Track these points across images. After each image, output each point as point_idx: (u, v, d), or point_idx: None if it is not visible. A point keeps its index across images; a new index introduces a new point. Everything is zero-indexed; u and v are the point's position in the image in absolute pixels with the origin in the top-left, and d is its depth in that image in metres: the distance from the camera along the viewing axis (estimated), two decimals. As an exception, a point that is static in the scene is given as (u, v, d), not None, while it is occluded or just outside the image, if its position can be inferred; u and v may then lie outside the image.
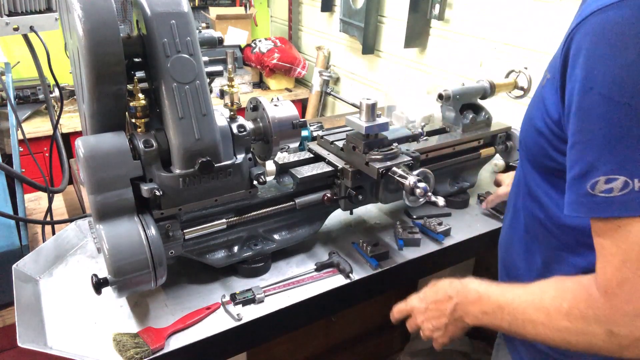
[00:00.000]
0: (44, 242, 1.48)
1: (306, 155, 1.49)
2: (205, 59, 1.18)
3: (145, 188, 1.10)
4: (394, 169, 1.28)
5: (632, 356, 0.74)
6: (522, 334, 0.87)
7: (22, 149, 1.78)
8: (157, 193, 1.10)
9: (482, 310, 0.94)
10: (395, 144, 1.36)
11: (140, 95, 1.11)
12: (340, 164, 1.40)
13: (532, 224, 0.99)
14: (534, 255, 1.00)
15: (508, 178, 1.55)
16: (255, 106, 1.35)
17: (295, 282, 1.32)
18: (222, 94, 1.33)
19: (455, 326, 1.02)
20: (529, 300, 0.85)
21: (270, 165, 1.48)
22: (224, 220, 1.27)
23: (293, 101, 1.69)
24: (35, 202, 2.03)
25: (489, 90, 1.70)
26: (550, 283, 0.84)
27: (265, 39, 3.90)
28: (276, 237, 1.39)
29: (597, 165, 0.71)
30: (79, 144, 1.07)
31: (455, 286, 1.02)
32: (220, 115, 1.23)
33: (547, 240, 0.96)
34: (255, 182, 1.26)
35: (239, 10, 4.04)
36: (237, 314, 1.19)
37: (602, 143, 0.71)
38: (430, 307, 1.06)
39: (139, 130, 1.13)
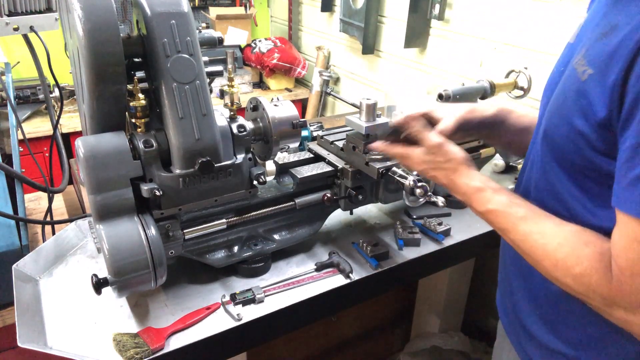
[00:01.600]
0: (44, 242, 1.48)
1: (306, 155, 1.49)
2: (205, 59, 1.18)
3: (145, 188, 1.10)
4: (394, 169, 1.28)
5: (616, 320, 0.80)
6: (520, 254, 0.92)
7: (22, 149, 1.78)
8: (157, 193, 1.10)
9: (487, 219, 0.98)
10: (395, 144, 1.36)
11: (140, 95, 1.11)
12: (340, 164, 1.40)
13: None
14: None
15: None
16: (255, 106, 1.35)
17: (295, 282, 1.32)
18: (222, 94, 1.33)
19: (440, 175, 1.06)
20: (540, 242, 0.87)
21: (270, 165, 1.49)
22: (224, 220, 1.27)
23: (293, 101, 1.69)
24: (35, 202, 2.03)
25: (489, 90, 1.70)
26: (569, 238, 0.85)
27: (265, 39, 3.90)
28: (276, 237, 1.39)
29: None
30: (79, 144, 1.07)
31: (468, 190, 1.01)
32: (220, 115, 1.23)
33: None
34: (255, 182, 1.26)
35: (239, 10, 4.04)
36: (237, 314, 1.19)
37: None
38: (438, 177, 1.07)
39: (139, 130, 1.13)
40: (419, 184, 1.21)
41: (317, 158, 1.48)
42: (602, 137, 0.81)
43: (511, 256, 1.09)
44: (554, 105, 0.92)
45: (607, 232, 0.83)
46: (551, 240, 0.86)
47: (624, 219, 0.76)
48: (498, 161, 1.94)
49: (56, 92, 1.87)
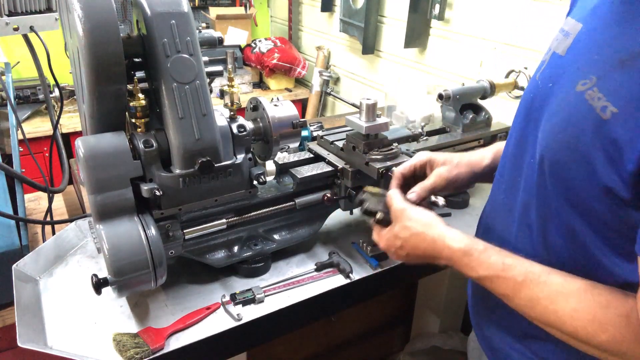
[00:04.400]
0: (44, 242, 1.48)
1: (306, 155, 1.49)
2: (205, 59, 1.18)
3: (145, 188, 1.10)
4: (394, 169, 1.28)
5: None
6: (530, 320, 0.83)
7: (22, 149, 1.78)
8: (157, 193, 1.10)
9: (485, 287, 0.87)
10: (395, 144, 1.36)
11: (140, 95, 1.11)
12: (340, 164, 1.40)
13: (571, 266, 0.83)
14: None
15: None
16: (255, 106, 1.35)
17: (295, 282, 1.32)
18: (222, 94, 1.33)
19: (416, 257, 1.00)
20: (550, 309, 0.78)
21: (270, 165, 1.48)
22: (224, 220, 1.27)
23: (293, 101, 1.69)
24: (35, 202, 2.03)
25: (489, 90, 1.70)
26: (586, 304, 0.75)
27: (265, 39, 3.90)
28: (276, 237, 1.39)
29: None
30: (79, 144, 1.07)
31: (448, 255, 0.92)
32: (220, 115, 1.23)
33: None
34: (255, 182, 1.26)
35: (239, 10, 4.04)
36: (237, 314, 1.19)
37: None
38: (412, 259, 1.01)
39: (139, 130, 1.13)
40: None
41: (317, 158, 1.48)
42: (634, 188, 0.69)
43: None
44: (560, 135, 0.78)
45: (625, 284, 0.75)
46: (563, 306, 0.76)
47: None
48: (498, 161, 1.94)
49: (56, 92, 1.87)
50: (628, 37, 0.70)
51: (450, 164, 1.12)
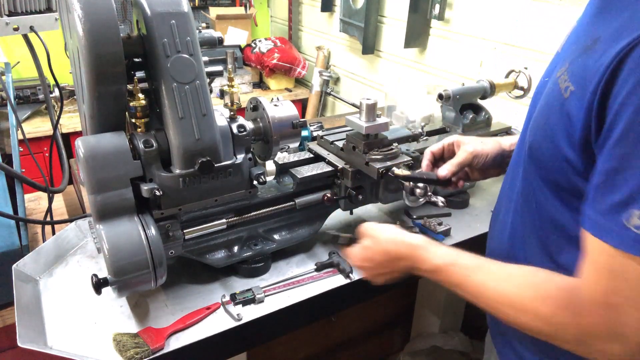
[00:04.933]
0: (44, 242, 1.48)
1: (306, 155, 1.49)
2: (205, 59, 1.18)
3: (145, 188, 1.10)
4: (394, 169, 1.28)
5: (584, 355, 0.78)
6: (483, 309, 0.88)
7: (22, 149, 1.78)
8: (157, 193, 1.10)
9: (440, 280, 0.95)
10: (395, 144, 1.36)
11: (140, 95, 1.11)
12: (340, 164, 1.40)
13: (540, 242, 0.93)
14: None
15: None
16: (255, 106, 1.35)
17: (295, 282, 1.32)
18: (222, 94, 1.33)
19: (407, 273, 1.04)
20: (498, 290, 0.84)
21: (270, 165, 1.48)
22: (224, 220, 1.27)
23: (293, 101, 1.69)
24: (35, 202, 2.03)
25: (489, 90, 1.70)
26: (529, 281, 0.82)
27: (265, 39, 3.90)
28: (276, 237, 1.39)
29: (637, 197, 0.68)
30: (79, 144, 1.07)
31: (402, 250, 1.01)
32: (220, 115, 1.23)
33: (559, 258, 0.90)
34: (255, 182, 1.26)
35: (239, 10, 4.04)
36: (237, 314, 1.19)
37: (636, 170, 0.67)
38: (380, 266, 1.07)
39: (139, 130, 1.13)
40: (419, 184, 1.21)
41: (317, 158, 1.48)
42: (583, 159, 0.77)
43: None
44: (538, 120, 0.88)
45: None
46: (509, 285, 0.83)
47: (598, 247, 0.73)
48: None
49: (56, 92, 1.87)
50: (597, 26, 0.78)
51: (476, 141, 1.22)
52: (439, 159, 1.26)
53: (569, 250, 0.87)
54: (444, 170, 1.19)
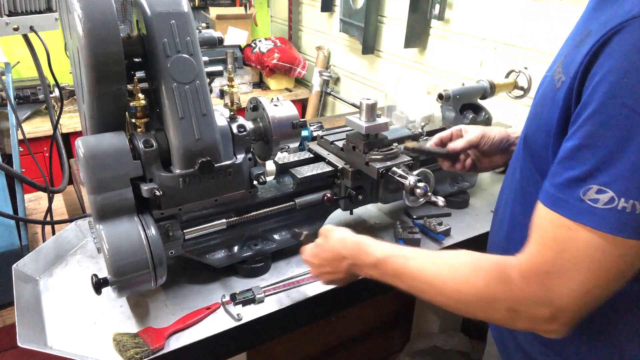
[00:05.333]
0: (44, 242, 1.48)
1: (306, 155, 1.49)
2: (205, 59, 1.18)
3: (145, 188, 1.10)
4: (394, 169, 1.28)
5: (517, 328, 0.81)
6: (417, 296, 0.92)
7: (22, 149, 1.78)
8: (157, 193, 1.10)
9: (380, 273, 0.99)
10: (395, 144, 1.36)
11: (140, 95, 1.11)
12: (340, 164, 1.40)
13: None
14: None
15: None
16: (255, 106, 1.35)
17: (295, 282, 1.32)
18: (222, 94, 1.33)
19: (351, 278, 1.10)
20: (433, 270, 0.88)
21: (270, 165, 1.48)
22: (224, 220, 1.27)
23: (293, 101, 1.69)
24: (35, 202, 2.03)
25: (489, 90, 1.70)
26: (462, 259, 0.86)
27: (265, 39, 3.90)
28: (276, 237, 1.39)
29: (596, 174, 0.71)
30: (79, 144, 1.07)
31: (348, 246, 1.05)
32: (220, 115, 1.23)
33: None
34: (255, 182, 1.26)
35: (239, 10, 4.04)
36: (237, 314, 1.19)
37: (609, 153, 0.70)
38: (325, 264, 1.11)
39: (139, 130, 1.13)
40: (419, 184, 1.21)
41: (317, 158, 1.48)
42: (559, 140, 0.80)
43: None
44: (534, 112, 0.92)
45: None
46: (444, 266, 0.87)
47: (548, 218, 0.76)
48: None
49: (56, 92, 1.87)
50: (591, 21, 0.80)
51: (484, 126, 1.32)
52: (446, 144, 1.36)
53: None
54: (455, 144, 1.29)
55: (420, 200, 1.22)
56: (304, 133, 1.76)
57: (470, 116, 1.66)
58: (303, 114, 3.88)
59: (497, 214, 1.12)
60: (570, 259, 0.73)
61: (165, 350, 1.10)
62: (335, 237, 1.09)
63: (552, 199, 0.76)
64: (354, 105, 3.35)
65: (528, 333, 0.99)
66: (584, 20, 0.86)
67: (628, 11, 0.70)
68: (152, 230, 1.11)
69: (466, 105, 1.68)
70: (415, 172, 1.24)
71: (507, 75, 1.80)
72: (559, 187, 0.75)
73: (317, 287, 1.30)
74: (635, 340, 0.86)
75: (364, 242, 1.04)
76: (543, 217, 0.78)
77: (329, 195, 1.38)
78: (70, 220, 1.57)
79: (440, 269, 0.87)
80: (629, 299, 0.83)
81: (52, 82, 1.83)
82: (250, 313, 1.21)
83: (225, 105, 1.27)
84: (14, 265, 1.29)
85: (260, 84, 3.99)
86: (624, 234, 0.69)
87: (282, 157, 1.45)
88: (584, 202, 0.72)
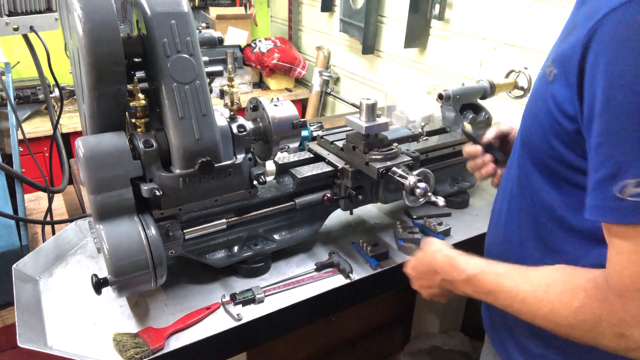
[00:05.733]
0: (44, 242, 1.48)
1: (306, 155, 1.49)
2: (205, 59, 1.18)
3: (145, 188, 1.10)
4: (394, 169, 1.28)
5: (635, 357, 0.74)
6: (514, 315, 0.86)
7: (22, 149, 1.78)
8: (157, 193, 1.10)
9: (473, 290, 0.93)
10: (395, 144, 1.36)
11: (140, 95, 1.11)
12: (340, 164, 1.40)
13: (533, 225, 0.97)
14: (533, 257, 0.97)
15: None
16: (255, 106, 1.35)
17: (295, 282, 1.32)
18: (222, 94, 1.33)
19: (448, 293, 1.04)
20: (529, 290, 0.82)
21: (270, 165, 1.48)
22: (224, 220, 1.27)
23: (293, 101, 1.69)
24: (35, 202, 2.03)
25: (489, 90, 1.70)
26: (557, 277, 0.80)
27: (265, 39, 3.90)
28: (276, 237, 1.39)
29: (627, 167, 0.67)
30: (79, 144, 1.07)
31: (439, 260, 1.01)
32: (220, 115, 1.23)
33: (550, 241, 0.94)
34: (255, 182, 1.26)
35: (239, 10, 4.04)
36: (237, 314, 1.19)
37: (634, 142, 0.66)
38: (421, 276, 1.09)
39: (139, 130, 1.13)
40: (419, 184, 1.21)
41: (317, 158, 1.48)
42: (570, 133, 0.79)
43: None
44: (528, 107, 0.92)
45: (588, 235, 0.83)
46: (539, 285, 0.81)
47: (607, 230, 0.72)
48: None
49: (56, 92, 1.87)
50: (575, 16, 0.83)
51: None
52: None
53: (560, 234, 0.89)
54: (488, 133, 1.27)
55: (420, 200, 1.22)
56: (304, 133, 1.76)
57: (470, 116, 1.66)
58: (303, 114, 3.88)
59: (495, 211, 1.12)
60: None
61: (165, 350, 1.10)
62: (429, 250, 1.05)
63: (595, 209, 0.72)
64: (354, 105, 3.35)
65: (525, 329, 0.98)
66: (572, 14, 0.87)
67: (607, 2, 0.70)
68: (152, 230, 1.11)
69: (466, 105, 1.68)
70: (415, 172, 1.24)
71: (507, 75, 1.80)
72: (595, 195, 0.72)
73: (317, 287, 1.30)
74: None
75: (454, 256, 0.98)
76: (606, 230, 0.73)
77: (329, 195, 1.38)
78: (70, 220, 1.57)
79: (536, 288, 0.81)
80: None
81: (52, 82, 1.83)
82: (250, 313, 1.21)
83: (225, 105, 1.27)
84: (14, 265, 1.29)
85: (260, 84, 3.99)
86: None
87: (282, 157, 1.45)
88: (623, 200, 0.67)
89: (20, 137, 1.76)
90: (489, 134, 1.28)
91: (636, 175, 0.66)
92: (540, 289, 0.80)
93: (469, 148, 1.31)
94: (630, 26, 0.67)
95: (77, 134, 3.12)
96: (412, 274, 1.13)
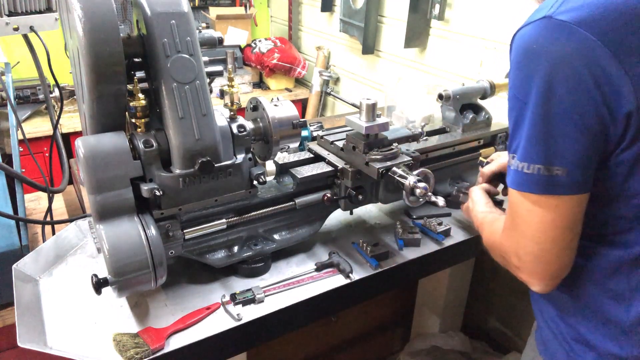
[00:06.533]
0: (44, 242, 1.48)
1: (306, 155, 1.49)
2: (205, 59, 1.18)
3: (145, 188, 1.10)
4: (394, 169, 1.28)
5: (520, 278, 0.99)
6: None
7: (22, 149, 1.78)
8: (157, 193, 1.10)
9: (475, 220, 1.28)
10: (395, 144, 1.36)
11: (140, 95, 1.11)
12: (340, 164, 1.40)
13: None
14: None
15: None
16: (255, 106, 1.35)
17: (295, 282, 1.32)
18: (222, 94, 1.33)
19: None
20: (489, 226, 1.16)
21: (270, 165, 1.48)
22: (224, 220, 1.27)
23: (293, 101, 1.69)
24: (35, 202, 2.03)
25: (489, 90, 1.70)
26: (497, 218, 1.14)
27: (265, 39, 3.90)
28: (276, 237, 1.39)
29: (511, 145, 0.93)
30: (79, 144, 1.07)
31: (472, 195, 1.35)
32: (220, 115, 1.23)
33: None
34: (255, 182, 1.26)
35: (239, 10, 4.04)
36: (237, 314, 1.19)
37: (513, 130, 0.93)
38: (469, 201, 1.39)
39: (139, 130, 1.13)
40: (419, 184, 1.21)
41: (317, 158, 1.48)
42: None
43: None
44: None
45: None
46: (495, 222, 1.13)
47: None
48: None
49: (56, 92, 1.87)
50: None
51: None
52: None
53: None
54: (489, 167, 1.48)
55: (420, 200, 1.22)
56: (304, 133, 1.76)
57: (470, 116, 1.66)
58: (303, 114, 3.88)
59: None
60: (517, 217, 0.95)
61: (165, 350, 1.10)
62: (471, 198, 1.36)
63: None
64: (354, 105, 3.35)
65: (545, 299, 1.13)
66: None
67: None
68: (152, 230, 1.11)
69: (466, 105, 1.68)
70: (415, 172, 1.24)
71: (507, 75, 1.80)
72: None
73: (317, 287, 1.30)
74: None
75: (479, 200, 1.32)
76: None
77: (329, 195, 1.38)
78: (70, 220, 1.57)
79: (492, 225, 1.13)
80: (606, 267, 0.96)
81: (52, 82, 1.83)
82: (250, 313, 1.21)
83: (225, 105, 1.27)
84: (14, 265, 1.29)
85: (260, 84, 3.99)
86: (525, 189, 0.90)
87: (282, 157, 1.45)
88: (509, 168, 0.93)
89: (20, 137, 1.76)
90: (483, 175, 1.47)
91: (513, 152, 0.92)
92: (493, 225, 1.13)
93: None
94: (517, 44, 0.91)
95: (77, 134, 3.12)
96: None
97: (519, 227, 0.94)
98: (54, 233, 1.57)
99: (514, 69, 0.91)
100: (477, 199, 1.32)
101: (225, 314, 1.21)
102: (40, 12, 1.76)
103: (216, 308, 1.22)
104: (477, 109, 1.71)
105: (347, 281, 1.33)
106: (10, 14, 1.68)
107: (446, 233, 1.52)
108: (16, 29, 1.68)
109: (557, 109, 0.84)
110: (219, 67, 1.29)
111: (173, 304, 1.24)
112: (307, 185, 1.40)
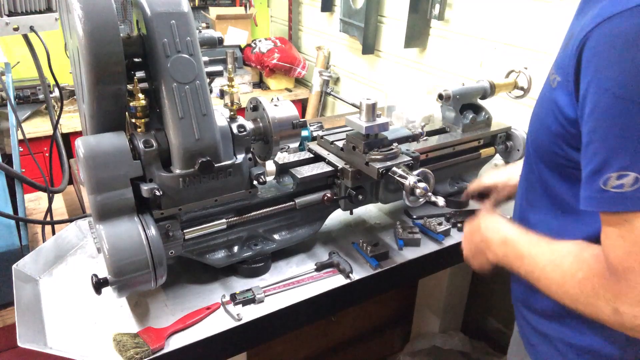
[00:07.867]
0: (44, 242, 1.48)
1: (306, 155, 1.49)
2: (205, 59, 1.18)
3: (145, 188, 1.10)
4: (394, 169, 1.28)
5: (634, 336, 0.78)
6: (534, 284, 0.92)
7: (22, 149, 1.78)
8: (157, 193, 1.10)
9: (504, 253, 1.00)
10: (395, 144, 1.36)
11: (140, 95, 1.11)
12: (340, 164, 1.40)
13: (552, 223, 1.00)
14: None
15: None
16: (255, 106, 1.35)
17: (295, 282, 1.32)
18: (222, 94, 1.33)
19: (481, 256, 1.09)
20: (549, 259, 0.89)
21: (270, 165, 1.48)
22: (224, 220, 1.27)
23: (293, 101, 1.69)
24: (35, 202, 2.03)
25: (489, 90, 1.70)
26: (572, 249, 0.87)
27: (265, 39, 3.90)
28: (276, 237, 1.39)
29: (610, 162, 0.74)
30: (79, 144, 1.07)
31: (487, 221, 1.08)
32: (220, 115, 1.23)
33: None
34: (255, 182, 1.26)
35: (239, 10, 4.04)
36: (237, 314, 1.19)
37: (616, 141, 0.74)
38: (467, 233, 1.16)
39: (139, 130, 1.13)
40: (419, 184, 1.21)
41: (317, 158, 1.48)
42: (574, 136, 0.86)
43: None
44: (535, 111, 1.00)
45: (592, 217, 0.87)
46: (558, 254, 0.88)
47: (600, 218, 0.80)
48: (498, 161, 1.94)
49: (56, 92, 1.87)
50: (572, 25, 0.91)
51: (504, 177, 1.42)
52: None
53: (570, 223, 0.95)
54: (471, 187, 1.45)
55: (420, 200, 1.22)
56: (304, 133, 1.76)
57: (470, 116, 1.66)
58: (303, 114, 3.88)
59: (515, 206, 1.19)
60: (636, 244, 0.74)
61: (165, 350, 1.10)
62: (485, 215, 1.12)
63: (585, 201, 0.80)
64: (354, 105, 3.35)
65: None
66: (570, 25, 0.95)
67: (596, 15, 0.77)
68: (152, 230, 1.11)
69: (466, 105, 1.68)
70: (415, 172, 1.24)
71: (507, 75, 1.80)
72: (583, 187, 0.80)
73: (317, 287, 1.30)
74: None
75: (499, 219, 1.06)
76: (601, 218, 0.79)
77: (329, 195, 1.38)
78: (70, 220, 1.57)
79: (554, 257, 0.88)
80: None
81: (52, 82, 1.83)
82: (250, 313, 1.21)
83: (225, 105, 1.27)
84: (14, 265, 1.29)
85: (260, 84, 3.99)
86: None
87: (282, 157, 1.45)
88: (607, 191, 0.75)
89: (20, 137, 1.76)
90: (468, 192, 1.45)
91: (617, 170, 0.74)
92: (558, 258, 0.87)
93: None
94: (615, 36, 0.74)
95: (77, 134, 3.12)
96: (464, 242, 1.17)
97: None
98: (54, 233, 1.57)
99: (613, 63, 0.74)
100: (495, 226, 1.06)
101: (225, 314, 1.21)
102: (40, 12, 1.76)
103: (216, 308, 1.22)
104: (477, 109, 1.71)
105: (347, 281, 1.33)
106: (10, 14, 1.68)
107: (446, 233, 1.52)
108: (16, 29, 1.68)
109: None
110: (219, 67, 1.29)
111: (173, 304, 1.24)
112: (307, 185, 1.40)
